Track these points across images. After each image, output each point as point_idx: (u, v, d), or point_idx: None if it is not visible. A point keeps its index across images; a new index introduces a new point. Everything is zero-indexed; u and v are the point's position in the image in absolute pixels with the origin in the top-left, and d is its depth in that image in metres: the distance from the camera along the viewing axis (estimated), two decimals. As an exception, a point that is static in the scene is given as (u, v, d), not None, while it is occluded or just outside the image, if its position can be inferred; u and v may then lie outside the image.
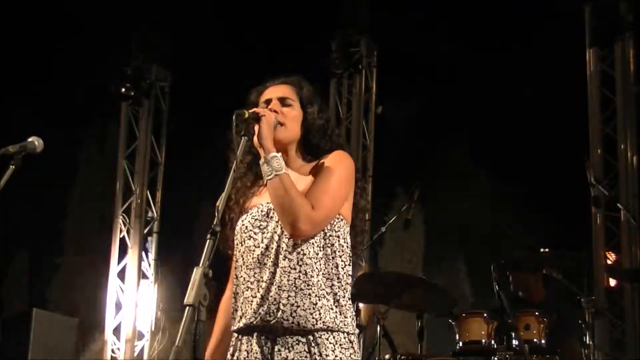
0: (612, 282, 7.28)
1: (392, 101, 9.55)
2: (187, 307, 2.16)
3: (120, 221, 9.61)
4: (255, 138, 2.65)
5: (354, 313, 2.69)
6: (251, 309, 2.61)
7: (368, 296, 5.54)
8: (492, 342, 4.97)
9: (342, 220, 2.71)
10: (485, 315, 5.07)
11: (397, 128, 10.66)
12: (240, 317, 2.65)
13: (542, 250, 5.44)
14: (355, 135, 8.86)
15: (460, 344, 5.06)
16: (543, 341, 4.99)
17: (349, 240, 2.72)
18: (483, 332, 5.01)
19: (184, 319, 2.14)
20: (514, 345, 4.89)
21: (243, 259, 2.68)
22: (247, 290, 2.64)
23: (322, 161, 2.75)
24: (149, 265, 9.70)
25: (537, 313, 5.04)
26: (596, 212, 7.40)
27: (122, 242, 9.60)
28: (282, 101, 2.80)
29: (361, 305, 5.76)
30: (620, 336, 7.23)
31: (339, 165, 2.72)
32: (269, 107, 2.77)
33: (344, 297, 2.64)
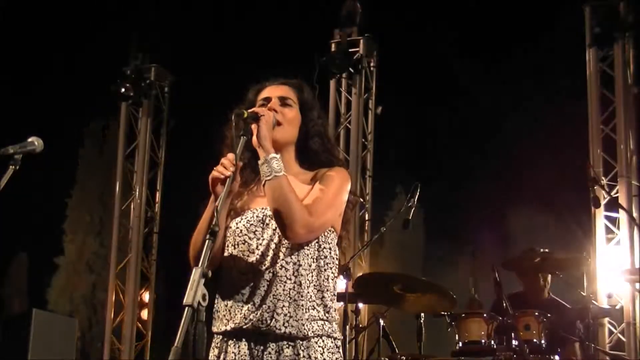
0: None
1: (392, 101, 9.54)
2: (186, 308, 2.15)
3: (120, 221, 9.60)
4: (254, 138, 2.64)
5: (338, 320, 2.72)
6: (241, 313, 2.60)
7: (368, 296, 5.54)
8: (492, 342, 4.97)
9: (333, 232, 2.73)
10: (485, 315, 5.07)
11: (397, 128, 10.66)
12: (228, 321, 2.64)
13: (542, 250, 5.45)
14: (355, 135, 8.84)
15: (460, 344, 5.06)
16: (543, 341, 4.99)
17: (337, 252, 2.75)
18: (483, 332, 5.00)
19: (183, 319, 2.14)
20: (513, 346, 4.89)
21: (234, 262, 2.67)
22: (237, 294, 2.63)
23: (322, 172, 2.75)
24: (149, 265, 9.69)
25: (536, 313, 5.04)
26: (596, 212, 7.39)
27: (122, 242, 9.59)
28: (282, 100, 2.78)
29: (361, 305, 5.75)
30: (620, 336, 7.23)
31: (338, 178, 2.73)
32: (268, 105, 2.75)
33: (332, 308, 2.68)
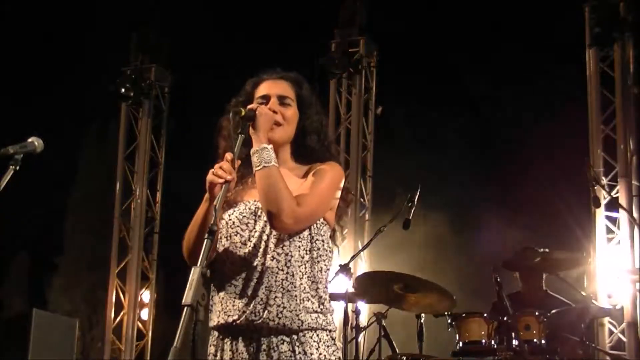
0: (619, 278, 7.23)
1: (391, 101, 9.54)
2: (185, 308, 2.15)
3: (120, 221, 9.61)
4: (250, 129, 2.63)
5: (334, 311, 2.71)
6: (234, 306, 2.60)
7: (368, 296, 5.54)
8: (492, 342, 4.97)
9: (325, 225, 2.72)
10: (485, 315, 5.07)
11: (397, 128, 10.66)
12: (220, 313, 2.63)
13: (542, 250, 5.44)
14: (355, 135, 8.85)
15: (460, 344, 5.06)
16: (543, 341, 4.99)
17: (331, 245, 2.74)
18: (483, 332, 5.01)
19: (182, 319, 2.14)
20: (513, 345, 4.89)
21: (227, 254, 2.66)
22: (230, 286, 2.62)
23: (316, 167, 2.75)
24: (149, 265, 9.70)
25: (537, 313, 5.04)
26: (596, 212, 7.39)
27: (122, 242, 9.59)
28: (281, 100, 2.76)
29: (361, 305, 5.75)
30: (620, 336, 7.23)
31: (331, 173, 2.72)
32: (268, 106, 2.73)
33: (326, 299, 2.67)
